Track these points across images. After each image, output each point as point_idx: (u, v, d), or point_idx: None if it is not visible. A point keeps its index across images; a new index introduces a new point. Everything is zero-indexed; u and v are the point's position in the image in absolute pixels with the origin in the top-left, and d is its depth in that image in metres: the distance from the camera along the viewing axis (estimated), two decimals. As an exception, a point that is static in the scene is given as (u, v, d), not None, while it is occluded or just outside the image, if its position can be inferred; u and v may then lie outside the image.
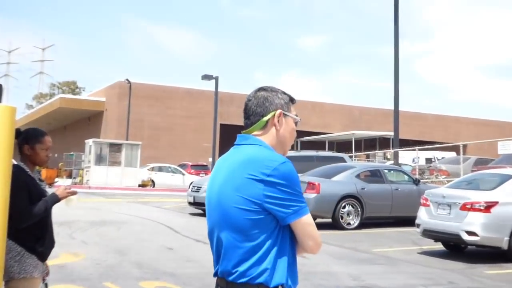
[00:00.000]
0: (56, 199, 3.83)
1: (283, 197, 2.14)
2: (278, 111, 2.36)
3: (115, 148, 32.51)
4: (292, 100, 2.47)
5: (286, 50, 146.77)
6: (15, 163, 3.57)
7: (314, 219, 15.48)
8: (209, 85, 35.58)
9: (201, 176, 30.70)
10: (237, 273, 2.18)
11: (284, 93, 2.45)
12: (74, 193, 3.97)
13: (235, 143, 2.38)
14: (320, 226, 15.05)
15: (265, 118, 2.34)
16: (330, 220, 14.40)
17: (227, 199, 2.19)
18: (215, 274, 2.30)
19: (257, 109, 2.35)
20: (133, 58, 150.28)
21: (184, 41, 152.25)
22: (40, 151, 3.83)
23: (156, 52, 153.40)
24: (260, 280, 2.15)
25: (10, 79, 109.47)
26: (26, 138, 3.82)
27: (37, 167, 3.95)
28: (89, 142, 32.81)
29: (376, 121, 51.02)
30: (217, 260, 2.28)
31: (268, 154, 2.21)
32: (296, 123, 2.45)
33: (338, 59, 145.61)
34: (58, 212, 14.37)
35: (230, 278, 2.19)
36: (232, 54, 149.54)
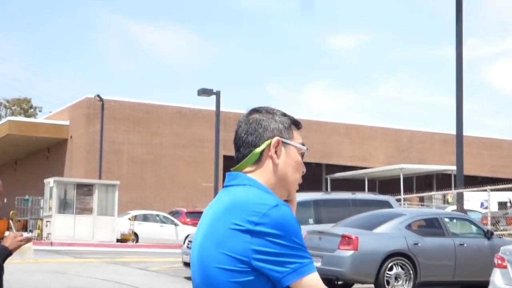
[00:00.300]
0: (6, 252, 3.88)
1: (277, 252, 2.13)
2: (275, 138, 2.35)
3: (85, 190, 32.74)
4: (295, 123, 2.49)
5: (310, 54, 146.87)
6: None
7: (351, 284, 15.56)
8: (208, 103, 35.94)
9: (199, 227, 30.77)
10: None
11: (284, 114, 2.46)
12: (28, 240, 4.03)
13: (224, 183, 2.39)
14: (360, 295, 15.08)
15: (258, 149, 2.34)
16: (372, 285, 14.42)
17: (208, 258, 2.20)
18: None
19: (248, 138, 2.35)
20: (106, 68, 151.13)
21: (175, 44, 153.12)
22: None
23: (137, 59, 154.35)
24: None
25: None
26: None
27: None
28: (49, 182, 33.02)
29: (433, 151, 50.97)
30: None
31: (256, 196, 2.21)
32: (302, 154, 2.44)
33: (380, 66, 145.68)
34: (10, 278, 14.54)
35: None
36: (238, 61, 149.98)
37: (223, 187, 2.38)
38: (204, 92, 31.42)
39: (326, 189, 44.45)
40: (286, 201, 2.41)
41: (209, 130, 42.23)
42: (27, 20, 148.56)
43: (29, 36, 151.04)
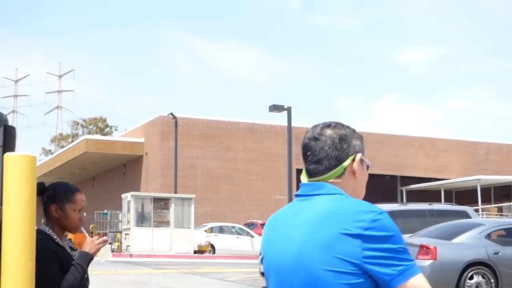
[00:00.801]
0: (88, 257, 3.91)
1: (386, 255, 2.24)
2: (359, 155, 2.49)
3: (161, 203, 33.18)
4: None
5: (381, 69, 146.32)
6: (38, 228, 3.61)
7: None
8: (280, 119, 35.96)
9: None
10: None
11: (355, 131, 2.58)
12: (105, 241, 4.05)
13: (300, 193, 2.48)
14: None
15: (345, 164, 2.46)
16: (452, 296, 14.22)
17: (313, 261, 2.27)
18: None
19: (333, 152, 2.45)
20: (179, 86, 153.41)
21: (246, 62, 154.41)
22: (72, 213, 3.93)
23: (209, 78, 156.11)
24: None
25: (19, 117, 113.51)
26: (53, 197, 3.91)
27: (66, 233, 4.07)
28: (127, 196, 33.56)
29: (510, 162, 49.98)
30: None
31: (359, 203, 2.34)
32: (367, 167, 2.59)
33: (454, 80, 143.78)
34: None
35: None
36: (308, 77, 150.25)
37: (300, 196, 2.48)
38: (275, 108, 31.42)
39: (402, 200, 43.94)
40: None
41: (281, 145, 42.33)
42: (101, 39, 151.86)
43: (105, 57, 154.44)
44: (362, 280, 2.25)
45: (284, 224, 2.45)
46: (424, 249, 14.04)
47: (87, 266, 3.89)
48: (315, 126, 2.54)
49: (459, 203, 35.82)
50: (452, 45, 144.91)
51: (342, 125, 2.54)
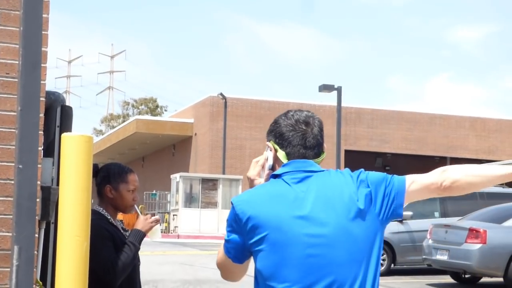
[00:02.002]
0: (141, 235, 4.00)
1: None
2: (325, 144, 2.93)
3: (209, 184, 33.41)
4: None
5: (432, 48, 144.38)
6: (92, 208, 3.66)
7: (479, 277, 15.22)
8: (329, 98, 35.87)
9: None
10: None
11: None
12: (157, 220, 4.14)
13: (302, 168, 2.78)
14: (488, 289, 14.75)
15: (324, 152, 2.92)
16: (501, 279, 14.09)
17: (356, 227, 2.68)
18: None
19: (320, 140, 2.87)
20: (231, 67, 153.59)
21: (297, 42, 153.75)
22: (126, 193, 4.04)
23: (261, 59, 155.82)
24: None
25: (71, 97, 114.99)
26: (108, 177, 4.02)
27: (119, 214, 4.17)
28: (176, 177, 33.84)
29: None
30: None
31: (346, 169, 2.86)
32: None
33: (507, 58, 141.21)
34: (141, 269, 14.99)
35: None
36: (359, 56, 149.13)
37: (302, 171, 2.77)
38: (325, 88, 31.26)
39: (451, 183, 43.55)
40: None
41: (330, 126, 42.09)
42: (154, 23, 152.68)
43: (157, 38, 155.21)
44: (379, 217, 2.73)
45: (294, 203, 2.69)
46: (473, 233, 13.93)
47: (140, 244, 3.97)
48: (298, 111, 2.89)
49: (510, 185, 35.32)
50: (505, 22, 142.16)
51: (317, 116, 2.93)
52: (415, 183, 2.77)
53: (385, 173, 2.82)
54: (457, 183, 2.73)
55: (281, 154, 2.83)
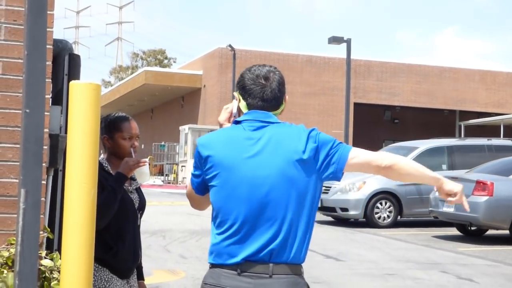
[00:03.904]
0: (120, 177, 3.95)
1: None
2: (286, 94, 3.23)
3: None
4: None
5: (441, 0, 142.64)
6: None
7: (485, 230, 15.29)
8: (339, 51, 35.69)
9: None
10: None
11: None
12: (139, 162, 4.05)
13: (257, 118, 3.12)
14: (495, 240, 14.85)
15: (283, 106, 3.23)
16: (507, 231, 14.16)
17: (295, 171, 3.02)
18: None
19: (277, 94, 3.18)
20: (239, 18, 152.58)
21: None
22: (122, 142, 4.04)
23: (269, 10, 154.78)
24: None
25: (80, 48, 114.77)
26: (104, 127, 4.05)
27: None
28: (185, 129, 33.94)
29: None
30: None
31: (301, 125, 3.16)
32: None
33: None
34: (148, 219, 15.15)
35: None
36: (368, 9, 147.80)
37: (259, 121, 3.10)
38: (334, 40, 31.02)
39: (460, 135, 43.49)
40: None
41: (339, 78, 42.05)
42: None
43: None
44: (316, 167, 3.02)
45: (246, 147, 3.03)
46: (480, 185, 13.95)
47: (119, 186, 3.93)
48: (261, 66, 3.23)
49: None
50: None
51: (278, 70, 3.23)
52: (357, 157, 3.05)
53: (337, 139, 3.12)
54: (396, 166, 3.03)
55: (243, 105, 3.18)
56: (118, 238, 3.97)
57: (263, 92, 3.14)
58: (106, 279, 3.92)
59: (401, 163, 3.04)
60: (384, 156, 3.07)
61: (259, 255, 2.96)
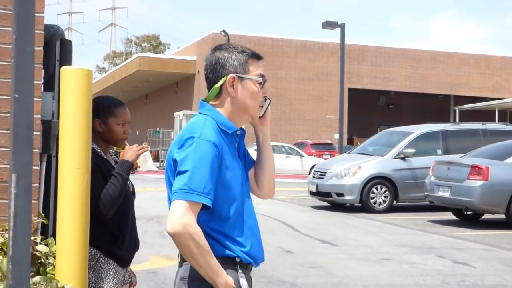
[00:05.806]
0: (128, 165, 3.93)
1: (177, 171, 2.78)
2: (230, 76, 2.80)
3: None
4: (255, 56, 2.92)
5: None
6: None
7: (481, 214, 15.30)
8: (333, 36, 35.66)
9: (325, 158, 30.95)
10: None
11: (243, 51, 2.88)
12: (144, 148, 4.08)
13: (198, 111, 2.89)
14: (491, 224, 14.87)
15: (217, 85, 2.82)
16: (503, 216, 14.18)
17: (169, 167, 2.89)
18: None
19: (208, 75, 2.85)
20: (234, 4, 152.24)
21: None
22: (115, 127, 3.98)
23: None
24: None
25: (73, 34, 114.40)
26: (97, 111, 3.92)
27: (114, 148, 4.15)
28: (179, 115, 33.91)
29: None
30: None
31: (192, 126, 2.77)
32: (261, 83, 2.88)
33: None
34: (144, 205, 15.09)
35: None
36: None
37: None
38: (328, 24, 30.98)
39: (454, 120, 43.54)
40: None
41: (333, 64, 42.00)
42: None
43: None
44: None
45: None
46: (475, 169, 13.95)
47: (128, 173, 3.92)
48: (211, 52, 2.90)
49: None
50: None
51: (228, 48, 2.85)
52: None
53: (191, 161, 2.70)
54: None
55: None
56: (123, 227, 3.93)
57: (205, 75, 2.92)
58: (112, 271, 3.87)
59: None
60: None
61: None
